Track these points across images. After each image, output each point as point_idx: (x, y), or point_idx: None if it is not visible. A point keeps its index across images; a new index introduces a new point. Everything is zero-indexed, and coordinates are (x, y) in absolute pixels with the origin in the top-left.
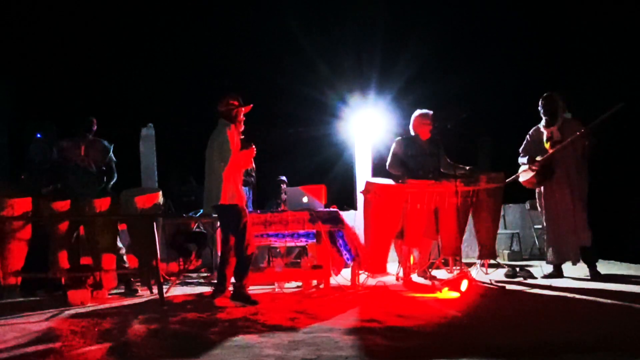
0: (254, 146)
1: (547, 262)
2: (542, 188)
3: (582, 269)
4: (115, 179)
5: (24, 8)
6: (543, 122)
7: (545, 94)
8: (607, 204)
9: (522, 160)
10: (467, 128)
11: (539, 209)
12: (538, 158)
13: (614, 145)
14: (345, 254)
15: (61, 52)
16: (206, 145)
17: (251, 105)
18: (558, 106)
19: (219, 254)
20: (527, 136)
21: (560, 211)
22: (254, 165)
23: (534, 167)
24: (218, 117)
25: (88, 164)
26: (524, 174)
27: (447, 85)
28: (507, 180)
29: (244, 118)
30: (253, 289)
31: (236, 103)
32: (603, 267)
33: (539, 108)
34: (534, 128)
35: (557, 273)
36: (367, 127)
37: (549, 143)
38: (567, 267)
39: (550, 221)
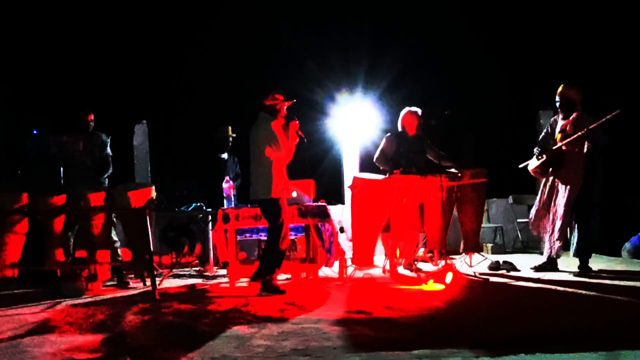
0: (296, 119)
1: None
2: (548, 179)
3: (577, 263)
4: (110, 172)
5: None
6: (561, 114)
7: (560, 87)
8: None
9: (535, 148)
10: (452, 124)
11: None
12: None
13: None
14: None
15: (56, 48)
16: (201, 143)
17: (294, 100)
18: (572, 99)
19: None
20: (547, 125)
21: (553, 205)
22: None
23: (539, 157)
24: (258, 111)
25: (86, 158)
26: (533, 162)
27: (432, 82)
28: (519, 167)
29: (286, 113)
30: (243, 281)
31: (281, 98)
32: (597, 262)
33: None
34: (553, 118)
35: (550, 266)
36: (355, 123)
37: (559, 135)
38: (562, 261)
39: (542, 213)
